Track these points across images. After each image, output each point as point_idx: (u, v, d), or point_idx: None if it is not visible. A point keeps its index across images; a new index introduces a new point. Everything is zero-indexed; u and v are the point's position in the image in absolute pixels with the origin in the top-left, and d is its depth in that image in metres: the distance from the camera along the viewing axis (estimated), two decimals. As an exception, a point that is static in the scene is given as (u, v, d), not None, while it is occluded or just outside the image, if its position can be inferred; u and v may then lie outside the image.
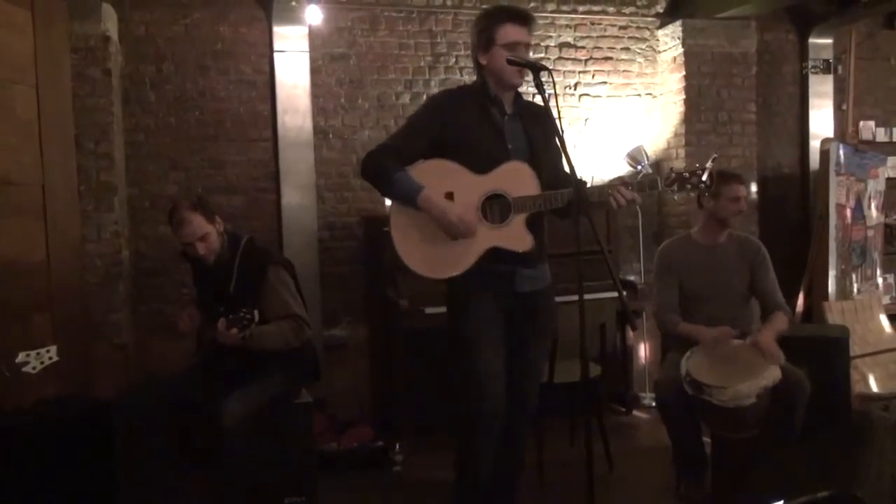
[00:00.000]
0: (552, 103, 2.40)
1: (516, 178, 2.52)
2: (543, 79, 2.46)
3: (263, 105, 4.62)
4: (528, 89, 2.60)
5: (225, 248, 3.20)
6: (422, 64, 4.87)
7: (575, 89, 5.18)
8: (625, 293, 4.38)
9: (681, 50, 5.05)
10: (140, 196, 4.45)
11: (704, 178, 2.44)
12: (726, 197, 3.29)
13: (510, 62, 2.50)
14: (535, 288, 2.66)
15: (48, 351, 2.77)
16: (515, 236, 2.52)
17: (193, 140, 4.53)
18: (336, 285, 4.75)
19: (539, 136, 2.61)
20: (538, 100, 2.49)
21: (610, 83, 5.24)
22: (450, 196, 2.53)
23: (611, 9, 5.19)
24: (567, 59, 5.16)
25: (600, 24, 5.19)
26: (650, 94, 5.32)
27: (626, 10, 5.22)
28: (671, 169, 2.51)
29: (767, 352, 3.03)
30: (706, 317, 3.28)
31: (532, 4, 5.05)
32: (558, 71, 5.13)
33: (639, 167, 4.96)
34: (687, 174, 2.47)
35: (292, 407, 3.30)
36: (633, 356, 4.89)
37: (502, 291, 2.60)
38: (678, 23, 5.06)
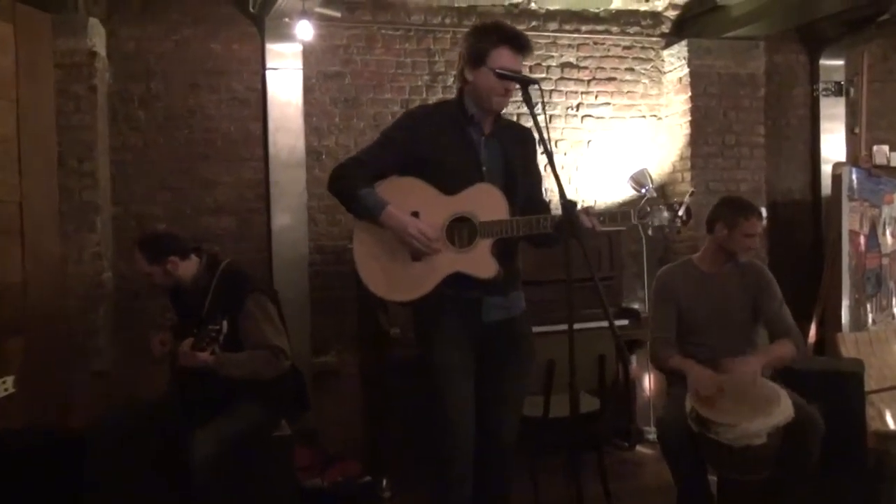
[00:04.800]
0: (540, 121, 2.26)
1: (485, 201, 2.38)
2: (534, 94, 2.31)
3: (255, 124, 4.49)
4: (516, 109, 2.44)
5: (202, 272, 3.06)
6: (419, 83, 4.74)
7: (577, 110, 5.03)
8: (626, 322, 4.34)
9: (686, 70, 4.90)
10: (125, 216, 4.30)
11: (681, 212, 2.31)
12: (742, 231, 3.08)
13: (499, 75, 2.35)
14: (506, 317, 2.49)
15: (3, 382, 2.60)
16: (479, 262, 2.37)
17: (182, 159, 4.39)
18: (327, 311, 4.58)
19: (518, 159, 2.48)
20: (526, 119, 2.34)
21: (613, 104, 5.09)
22: (415, 216, 2.40)
23: (614, 28, 5.06)
24: (569, 79, 5.02)
25: (603, 44, 5.05)
26: (655, 115, 5.16)
27: (631, 30, 5.08)
28: (645, 201, 2.35)
29: (734, 371, 2.85)
30: (708, 348, 3.08)
31: (534, 23, 4.92)
32: (560, 91, 4.99)
33: (643, 190, 4.78)
34: (661, 207, 2.33)
35: (271, 440, 3.13)
36: (637, 388, 4.68)
37: (469, 320, 2.44)
38: (684, 43, 4.91)
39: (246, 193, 4.49)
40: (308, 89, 4.51)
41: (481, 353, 2.49)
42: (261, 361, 2.97)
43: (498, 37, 2.38)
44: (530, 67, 4.93)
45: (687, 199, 2.33)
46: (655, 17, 5.11)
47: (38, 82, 3.77)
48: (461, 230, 2.39)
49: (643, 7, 5.04)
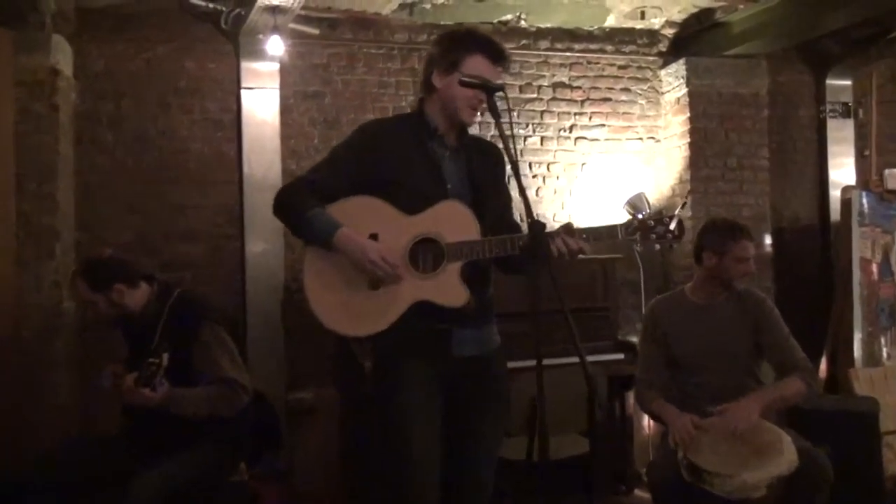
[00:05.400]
0: (506, 132, 2.03)
1: (452, 220, 2.11)
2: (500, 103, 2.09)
3: (229, 146, 4.28)
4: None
5: (153, 301, 2.83)
6: (403, 104, 4.53)
7: (570, 132, 4.81)
8: (621, 356, 4.06)
9: (685, 90, 4.68)
10: (91, 242, 4.07)
11: (672, 226, 2.06)
12: (733, 255, 2.81)
13: (462, 83, 2.12)
14: (480, 352, 2.22)
15: None
16: (447, 289, 2.09)
17: (152, 182, 4.18)
18: (303, 342, 4.31)
19: (486, 176, 2.23)
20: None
21: (608, 126, 4.86)
22: (374, 238, 2.14)
23: (609, 47, 4.85)
24: (562, 99, 4.80)
25: (598, 63, 4.85)
26: (653, 137, 4.93)
27: (626, 49, 4.88)
28: (633, 216, 2.11)
29: (729, 419, 2.57)
30: (707, 388, 2.80)
31: (524, 42, 4.73)
32: (552, 112, 4.78)
33: (639, 216, 4.52)
34: (652, 222, 2.09)
35: (225, 486, 2.86)
36: (634, 427, 4.38)
37: (437, 355, 2.16)
38: (682, 62, 4.70)
39: (218, 218, 4.27)
40: (285, 110, 4.31)
41: (450, 392, 2.21)
42: (217, 397, 2.72)
43: (473, 44, 2.16)
44: (520, 87, 4.74)
45: (678, 211, 2.07)
46: (652, 35, 4.90)
47: (-6, 100, 3.58)
48: (426, 254, 2.13)
49: (639, 25, 4.84)
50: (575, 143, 4.81)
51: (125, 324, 2.88)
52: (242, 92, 4.23)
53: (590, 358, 3.90)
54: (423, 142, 2.20)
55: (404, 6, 4.34)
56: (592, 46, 4.83)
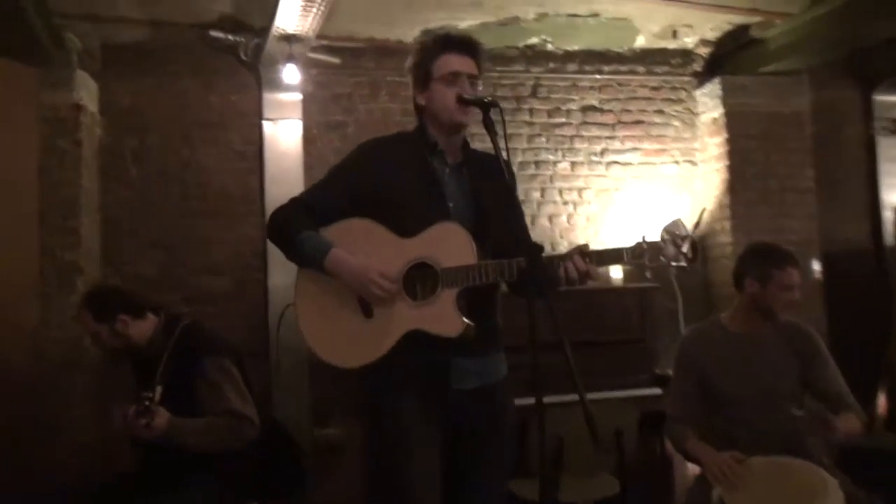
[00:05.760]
0: (502, 148, 1.91)
1: (448, 243, 1.98)
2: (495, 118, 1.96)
3: (253, 178, 4.25)
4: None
5: (159, 333, 2.75)
6: (428, 131, 4.43)
7: (602, 156, 4.64)
8: (658, 391, 3.83)
9: (721, 110, 4.48)
10: (115, 277, 4.06)
11: (685, 248, 1.86)
12: (777, 283, 2.58)
13: (460, 100, 2.01)
14: (482, 384, 2.06)
15: None
16: (442, 317, 1.95)
17: (176, 216, 4.16)
18: (328, 376, 4.17)
19: (490, 193, 2.08)
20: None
21: (642, 149, 4.68)
22: None
23: (640, 68, 4.69)
24: (592, 123, 4.65)
25: (629, 85, 4.69)
26: (689, 161, 4.72)
27: (659, 70, 4.71)
28: (643, 238, 1.92)
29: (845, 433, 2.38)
30: (742, 426, 2.57)
31: (551, 65, 4.61)
32: (582, 137, 4.63)
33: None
34: (662, 244, 1.89)
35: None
36: (675, 467, 4.11)
37: (435, 388, 2.02)
38: (717, 80, 4.51)
39: (242, 251, 4.22)
40: (308, 140, 4.26)
41: (452, 425, 2.06)
42: (221, 429, 2.62)
43: (436, 46, 2.08)
44: (548, 112, 4.60)
45: (691, 230, 1.88)
46: (686, 55, 4.73)
47: (17, 137, 3.62)
48: (423, 279, 2.00)
49: (672, 45, 4.67)
50: (607, 168, 4.64)
51: (131, 355, 2.81)
52: (264, 123, 4.21)
53: (622, 393, 3.72)
54: (424, 158, 2.09)
55: (427, 32, 4.27)
56: (623, 68, 4.68)
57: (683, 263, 1.87)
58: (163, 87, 4.18)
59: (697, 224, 1.81)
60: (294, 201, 2.13)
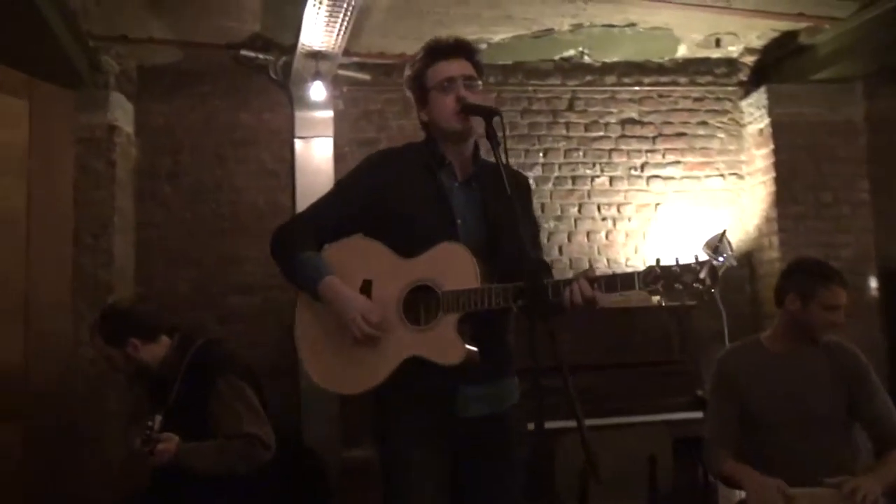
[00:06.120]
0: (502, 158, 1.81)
1: (450, 265, 1.87)
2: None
3: (284, 195, 4.24)
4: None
5: (172, 355, 2.71)
6: (461, 147, 4.35)
7: (642, 170, 4.48)
8: (700, 415, 3.63)
9: (767, 120, 4.27)
10: (148, 296, 4.08)
11: (702, 274, 1.70)
12: (821, 303, 2.41)
13: (461, 108, 1.92)
14: (491, 410, 1.94)
15: None
16: (442, 344, 1.84)
17: (208, 235, 4.18)
18: (360, 396, 4.12)
19: (503, 209, 1.95)
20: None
21: (684, 163, 4.50)
22: (367, 286, 1.93)
23: (682, 79, 4.53)
24: (631, 136, 4.50)
25: (670, 96, 4.52)
26: (735, 173, 4.52)
27: (702, 80, 4.54)
28: (657, 261, 1.77)
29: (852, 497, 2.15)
30: (785, 452, 2.39)
31: (588, 78, 4.49)
32: (621, 151, 4.48)
33: (720, 259, 4.12)
34: (677, 269, 1.73)
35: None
36: (720, 496, 3.88)
37: (440, 417, 1.91)
38: (762, 89, 4.31)
39: (273, 269, 4.06)
40: (339, 158, 4.23)
41: (456, 455, 1.96)
42: (233, 452, 2.55)
43: (426, 56, 1.99)
44: (585, 125, 4.48)
45: (708, 253, 1.74)
46: (730, 64, 4.54)
47: (53, 158, 3.66)
48: (428, 302, 1.89)
49: (715, 54, 4.50)
50: (647, 183, 4.48)
51: (145, 379, 2.78)
52: (296, 141, 4.20)
53: (660, 417, 3.53)
54: (432, 171, 2.00)
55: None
56: (664, 79, 4.52)
57: (701, 291, 1.72)
58: (196, 108, 4.22)
59: (717, 248, 1.66)
60: (299, 217, 2.08)
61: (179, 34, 3.87)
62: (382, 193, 1.97)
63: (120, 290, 3.87)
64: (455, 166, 2.01)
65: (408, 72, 2.04)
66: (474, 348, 1.84)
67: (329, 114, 4.20)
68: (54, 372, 3.60)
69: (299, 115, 4.20)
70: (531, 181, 4.23)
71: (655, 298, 4.10)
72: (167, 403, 2.63)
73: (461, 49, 1.98)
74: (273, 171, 4.25)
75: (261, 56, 3.95)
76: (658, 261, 1.76)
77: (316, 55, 3.54)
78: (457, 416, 1.91)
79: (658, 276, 1.74)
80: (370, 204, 1.98)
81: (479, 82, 2.01)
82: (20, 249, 3.48)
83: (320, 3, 2.89)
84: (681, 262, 1.74)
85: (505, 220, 1.95)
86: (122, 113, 3.94)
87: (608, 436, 2.92)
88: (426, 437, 1.91)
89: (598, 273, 1.82)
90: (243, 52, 3.95)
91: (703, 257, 1.73)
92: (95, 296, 3.75)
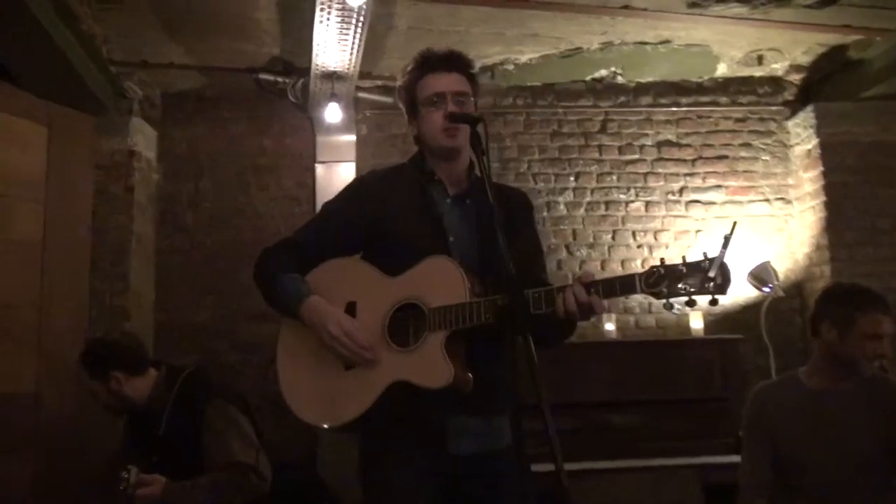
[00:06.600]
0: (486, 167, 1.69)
1: (437, 280, 1.71)
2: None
3: (306, 221, 4.12)
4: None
5: (158, 389, 2.59)
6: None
7: (680, 195, 4.23)
8: (732, 459, 3.33)
9: (815, 141, 3.99)
10: (168, 323, 4.03)
11: (712, 273, 1.49)
12: (859, 330, 2.17)
13: (450, 117, 1.77)
14: (487, 448, 1.75)
15: None
16: (427, 365, 1.67)
17: (228, 261, 4.09)
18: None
19: (499, 224, 1.79)
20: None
21: (726, 187, 4.24)
22: (352, 307, 1.79)
23: (723, 99, 4.29)
24: (668, 159, 4.27)
25: (710, 117, 4.29)
26: (781, 198, 4.23)
27: (744, 100, 4.29)
28: (661, 261, 1.57)
29: None
30: (820, 499, 2.13)
31: (622, 99, 4.29)
32: (657, 174, 4.25)
33: (765, 290, 3.84)
34: (683, 268, 1.53)
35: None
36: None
37: (430, 453, 1.72)
38: (809, 108, 4.03)
39: (292, 297, 4.07)
40: (361, 183, 4.11)
41: (450, 497, 1.76)
42: (225, 484, 2.40)
43: (416, 69, 1.87)
44: (619, 148, 4.27)
45: (720, 252, 1.53)
46: (775, 82, 4.29)
47: (72, 183, 3.64)
48: (417, 321, 1.73)
49: (758, 73, 4.25)
50: (686, 208, 4.23)
51: (130, 415, 2.66)
52: (317, 166, 4.11)
53: (693, 459, 3.24)
54: (424, 189, 1.87)
55: (485, 69, 4.07)
56: (703, 99, 4.29)
57: (710, 291, 1.51)
58: (218, 133, 4.18)
59: (727, 240, 1.45)
60: (284, 241, 1.97)
61: (198, 59, 3.84)
62: (369, 214, 1.85)
63: (137, 317, 3.81)
64: (446, 182, 1.88)
65: (399, 83, 1.92)
66: (467, 373, 1.67)
67: (351, 138, 4.11)
68: (67, 401, 3.53)
69: (321, 139, 4.12)
70: (561, 206, 4.17)
71: (694, 323, 3.85)
72: (156, 437, 2.50)
73: (453, 62, 1.86)
74: (294, 196, 4.16)
75: (280, 79, 3.88)
76: (662, 261, 1.57)
77: (331, 76, 3.45)
78: (447, 452, 1.73)
79: (662, 277, 1.55)
80: (358, 226, 1.86)
81: (472, 98, 1.88)
82: (35, 277, 3.45)
83: (328, 18, 2.79)
84: (688, 261, 1.55)
85: (502, 239, 1.79)
86: (142, 138, 3.92)
87: (631, 479, 2.68)
88: (416, 482, 1.72)
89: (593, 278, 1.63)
90: (262, 76, 3.89)
91: (713, 254, 1.52)
92: (111, 323, 3.69)
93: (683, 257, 1.56)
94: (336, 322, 1.73)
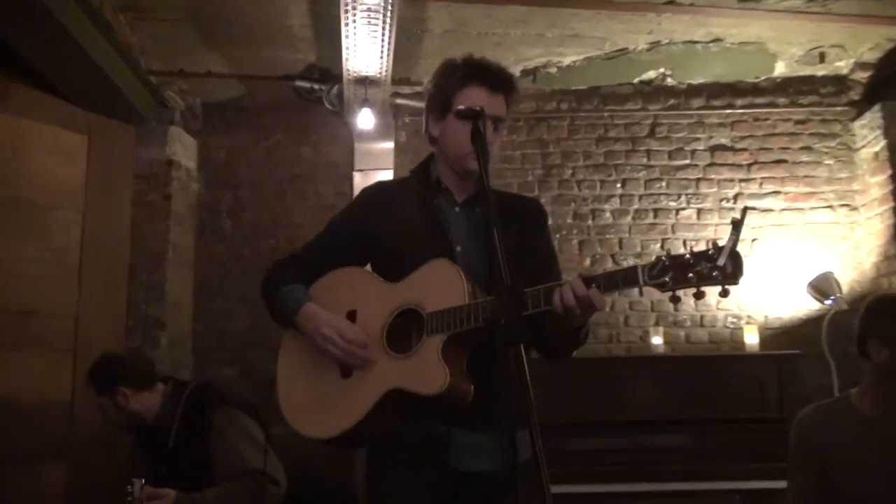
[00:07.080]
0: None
1: (437, 284, 1.62)
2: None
3: (343, 231, 4.06)
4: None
5: (166, 405, 2.56)
6: (530, 178, 4.05)
7: (735, 202, 4.00)
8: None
9: (883, 143, 3.70)
10: (205, 333, 4.01)
11: (721, 262, 1.37)
12: None
13: (458, 114, 1.66)
14: (493, 466, 1.61)
15: None
16: (423, 370, 1.57)
17: (265, 271, 4.04)
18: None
19: (509, 236, 1.65)
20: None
21: (785, 193, 3.98)
22: (352, 315, 1.72)
23: (781, 100, 4.03)
24: (721, 164, 4.04)
25: (767, 119, 4.04)
26: (846, 204, 3.95)
27: (804, 101, 4.03)
28: (667, 251, 1.44)
29: None
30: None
31: (672, 101, 4.09)
32: (710, 180, 4.02)
33: (826, 302, 3.57)
34: (689, 258, 1.40)
35: None
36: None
37: (432, 469, 1.62)
38: (876, 108, 3.75)
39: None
40: (399, 191, 4.02)
41: None
42: (239, 496, 2.35)
43: (464, 73, 1.75)
44: (669, 153, 4.06)
45: (730, 237, 1.37)
46: (839, 82, 4.01)
47: (111, 193, 3.66)
48: (419, 328, 1.64)
49: (820, 72, 3.98)
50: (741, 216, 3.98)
51: (137, 430, 2.62)
52: (355, 174, 4.05)
53: (749, 484, 3.01)
54: (429, 199, 1.79)
55: (527, 72, 3.94)
56: (759, 100, 4.04)
57: (720, 281, 1.34)
58: (257, 142, 4.16)
59: (738, 225, 1.31)
60: (290, 256, 1.92)
61: (235, 67, 3.82)
62: (374, 226, 1.79)
63: (173, 327, 3.80)
64: (453, 190, 1.79)
65: (436, 78, 1.80)
66: (468, 383, 1.57)
67: (389, 145, 4.03)
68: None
69: (359, 147, 4.05)
70: (607, 214, 3.98)
71: (749, 338, 3.60)
72: (166, 451, 2.45)
73: (506, 85, 1.76)
74: (332, 205, 4.08)
75: (317, 87, 3.83)
76: (668, 251, 1.45)
77: (363, 81, 3.37)
78: (450, 468, 1.63)
79: (666, 268, 1.42)
80: (362, 239, 1.81)
81: (506, 124, 1.80)
82: (72, 286, 3.46)
83: (353, 20, 2.71)
84: (695, 251, 1.42)
85: (514, 246, 1.67)
86: (181, 147, 3.92)
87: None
88: (415, 493, 1.63)
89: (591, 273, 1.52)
90: (299, 83, 3.85)
91: (722, 242, 1.40)
92: (147, 332, 3.69)
93: (691, 247, 1.43)
94: (329, 323, 1.67)
